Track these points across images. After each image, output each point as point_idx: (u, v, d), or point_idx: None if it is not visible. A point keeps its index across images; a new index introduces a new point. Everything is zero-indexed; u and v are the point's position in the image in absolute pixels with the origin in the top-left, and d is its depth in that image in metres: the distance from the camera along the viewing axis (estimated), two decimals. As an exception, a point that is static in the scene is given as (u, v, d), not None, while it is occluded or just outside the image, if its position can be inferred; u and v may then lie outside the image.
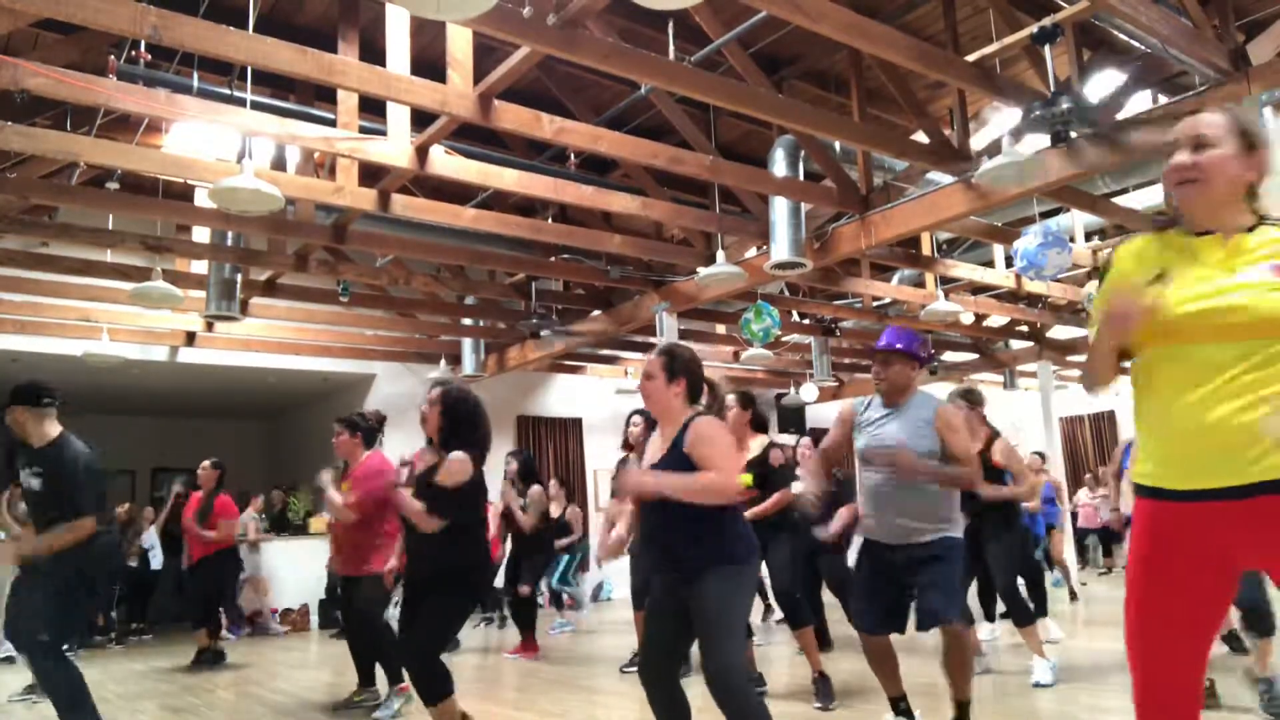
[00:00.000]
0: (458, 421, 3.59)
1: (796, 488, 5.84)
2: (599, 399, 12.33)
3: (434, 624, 3.49)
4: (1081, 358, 12.01)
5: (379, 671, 4.95)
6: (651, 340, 9.50)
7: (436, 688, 3.41)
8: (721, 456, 2.72)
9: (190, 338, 9.04)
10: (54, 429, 3.79)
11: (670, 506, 2.70)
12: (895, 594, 3.37)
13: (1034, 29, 4.81)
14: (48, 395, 3.80)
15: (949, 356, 12.43)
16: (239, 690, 5.84)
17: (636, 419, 5.10)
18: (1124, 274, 1.88)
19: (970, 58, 4.95)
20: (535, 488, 6.93)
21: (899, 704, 3.52)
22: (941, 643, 3.33)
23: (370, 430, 4.96)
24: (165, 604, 9.15)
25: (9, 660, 7.47)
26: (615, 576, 10.63)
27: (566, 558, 8.11)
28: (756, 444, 4.74)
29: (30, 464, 3.73)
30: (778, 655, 6.26)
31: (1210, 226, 1.80)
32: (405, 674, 4.75)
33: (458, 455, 3.49)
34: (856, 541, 3.60)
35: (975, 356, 12.24)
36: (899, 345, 3.47)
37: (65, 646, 3.69)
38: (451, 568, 3.49)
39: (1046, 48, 4.83)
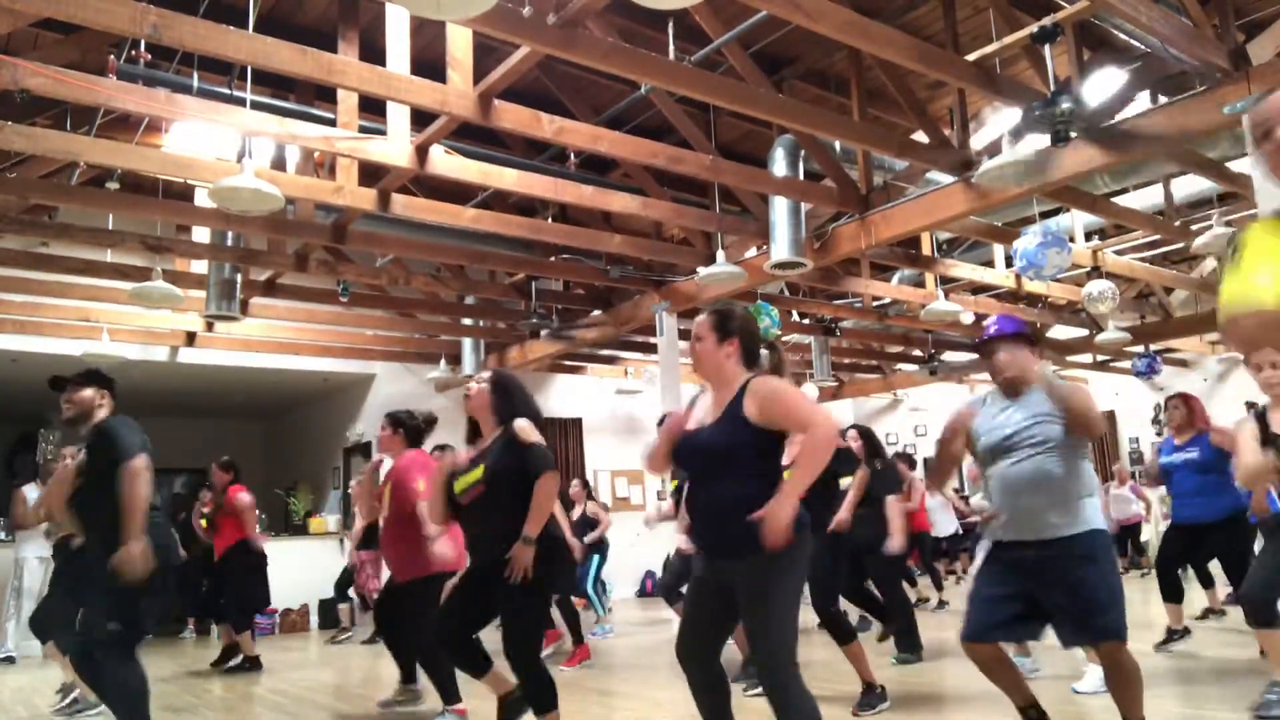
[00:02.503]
0: (506, 396, 3.49)
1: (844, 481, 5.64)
2: (599, 399, 12.33)
3: (523, 621, 3.27)
4: (1083, 357, 12.03)
5: (420, 672, 4.70)
6: (652, 340, 9.50)
7: (549, 698, 3.24)
8: (799, 410, 2.49)
9: (190, 338, 9.04)
10: (105, 413, 3.81)
11: (719, 482, 2.52)
12: (1025, 599, 3.00)
13: (1034, 29, 4.81)
14: (113, 381, 3.88)
15: (949, 356, 12.43)
16: (239, 690, 5.83)
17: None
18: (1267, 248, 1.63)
19: (970, 57, 4.95)
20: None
21: (1028, 712, 3.12)
22: (1101, 664, 3.00)
23: (416, 429, 4.76)
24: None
25: (9, 660, 7.48)
26: (614, 575, 10.61)
27: (596, 557, 7.94)
28: None
29: (79, 444, 3.78)
30: (819, 658, 5.70)
31: None
32: (431, 690, 4.48)
33: (524, 420, 3.40)
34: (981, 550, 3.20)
35: (975, 357, 12.22)
36: (1005, 330, 3.16)
37: (137, 640, 3.51)
38: (549, 541, 3.31)
39: (1046, 47, 4.83)
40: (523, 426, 3.38)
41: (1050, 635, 3.06)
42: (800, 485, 2.43)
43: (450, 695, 4.29)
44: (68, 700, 5.20)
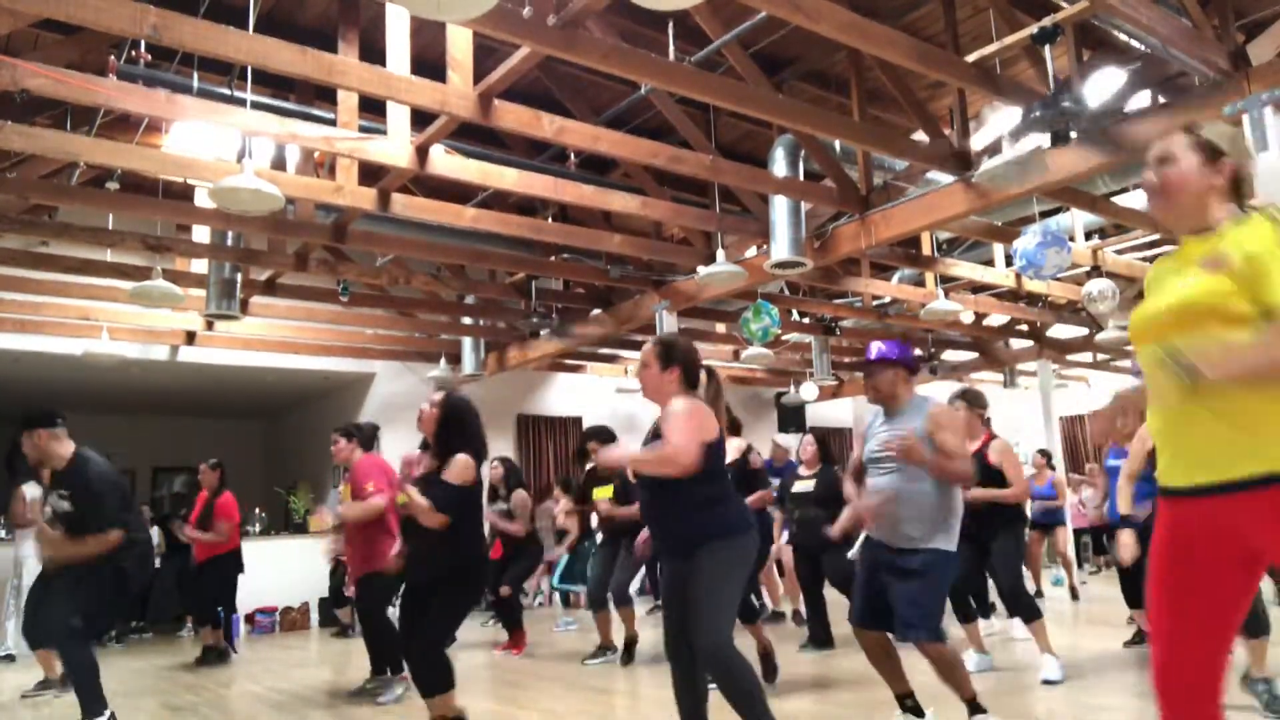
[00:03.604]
0: (452, 425, 3.74)
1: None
2: (599, 398, 12.32)
3: (437, 619, 3.59)
4: (1083, 356, 12.04)
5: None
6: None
7: (437, 680, 3.54)
8: (675, 430, 2.81)
9: (190, 337, 9.04)
10: (69, 446, 4.11)
11: (661, 487, 2.84)
12: (886, 593, 3.44)
13: (1034, 29, 4.81)
14: (59, 415, 4.11)
15: (949, 356, 12.43)
16: (239, 690, 5.84)
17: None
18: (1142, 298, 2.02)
19: (970, 58, 4.95)
20: (519, 493, 6.92)
21: (905, 701, 3.54)
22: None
23: (366, 438, 5.36)
24: (165, 603, 9.14)
25: (9, 659, 7.48)
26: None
27: (568, 556, 8.07)
28: (733, 445, 4.85)
29: (57, 487, 4.06)
30: (780, 651, 6.22)
31: (1189, 230, 1.94)
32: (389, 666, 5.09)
33: (462, 456, 3.64)
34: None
35: (975, 356, 12.23)
36: (883, 355, 3.62)
37: (96, 637, 4.14)
38: (453, 566, 3.59)
39: (1046, 48, 4.83)
40: (454, 468, 3.63)
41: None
42: (636, 457, 2.89)
43: (399, 665, 4.87)
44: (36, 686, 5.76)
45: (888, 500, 3.38)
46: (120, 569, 4.04)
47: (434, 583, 3.58)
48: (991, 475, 4.80)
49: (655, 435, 3.00)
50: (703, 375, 3.08)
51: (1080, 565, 10.42)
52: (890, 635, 3.46)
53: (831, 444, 6.41)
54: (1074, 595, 8.93)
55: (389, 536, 4.88)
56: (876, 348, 3.66)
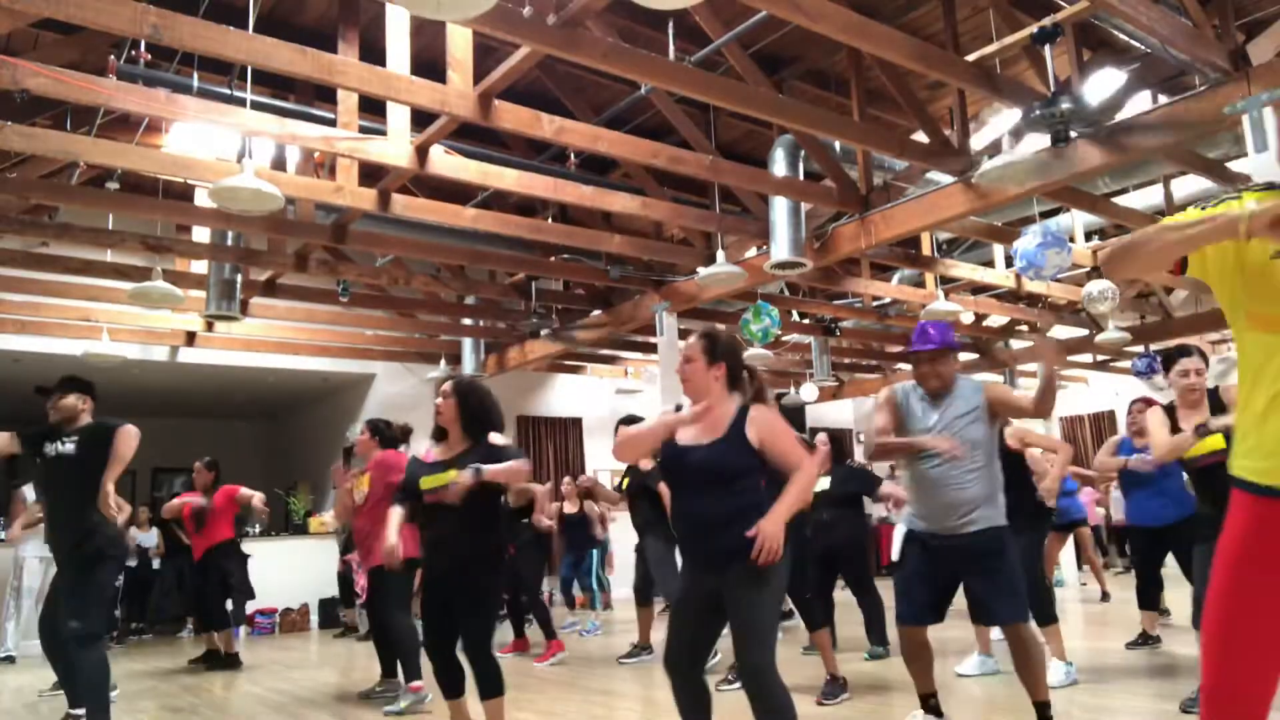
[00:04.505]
0: (474, 406, 3.59)
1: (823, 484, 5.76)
2: (599, 399, 12.32)
3: (479, 616, 3.47)
4: (1083, 356, 12.03)
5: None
6: (651, 340, 9.50)
7: (496, 682, 3.45)
8: (794, 451, 2.74)
9: (190, 338, 9.04)
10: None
11: (711, 498, 2.69)
12: (942, 587, 3.35)
13: (1034, 29, 4.81)
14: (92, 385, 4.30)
15: (949, 356, 12.41)
16: (239, 690, 5.83)
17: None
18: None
19: (970, 58, 4.95)
20: (533, 484, 6.87)
21: (929, 700, 3.46)
22: (1009, 645, 3.28)
23: (391, 439, 5.30)
24: (165, 604, 9.15)
25: (9, 660, 7.48)
26: (616, 573, 10.60)
27: (595, 553, 7.98)
28: None
29: (61, 436, 4.09)
30: (786, 655, 6.12)
31: None
32: (400, 670, 4.91)
33: (495, 434, 3.57)
34: (897, 536, 3.51)
35: (975, 356, 12.23)
36: (948, 342, 3.42)
37: (98, 634, 3.97)
38: (477, 553, 3.46)
39: (1046, 48, 4.83)
40: (498, 437, 3.57)
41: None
42: (788, 511, 2.66)
43: (412, 672, 4.70)
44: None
45: (958, 447, 3.22)
46: (100, 551, 3.99)
47: (459, 568, 3.43)
48: (1010, 465, 4.68)
49: (733, 435, 2.76)
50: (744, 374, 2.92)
51: (1080, 566, 10.40)
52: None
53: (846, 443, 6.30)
54: (1105, 597, 8.76)
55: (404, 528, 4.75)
56: (935, 334, 3.43)
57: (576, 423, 12.24)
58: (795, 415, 13.43)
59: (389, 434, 5.29)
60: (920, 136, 5.89)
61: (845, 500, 5.69)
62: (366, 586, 5.20)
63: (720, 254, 6.66)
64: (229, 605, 6.89)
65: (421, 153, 5.13)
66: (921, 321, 3.65)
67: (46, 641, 4.30)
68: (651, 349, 10.41)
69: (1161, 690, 4.42)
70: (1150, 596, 5.40)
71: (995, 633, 5.28)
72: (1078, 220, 8.02)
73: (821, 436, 5.92)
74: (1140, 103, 5.42)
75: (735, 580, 2.62)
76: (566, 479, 8.49)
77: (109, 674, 4.03)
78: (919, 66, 4.55)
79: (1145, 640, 5.55)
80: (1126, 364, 11.89)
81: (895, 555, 3.50)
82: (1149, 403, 5.32)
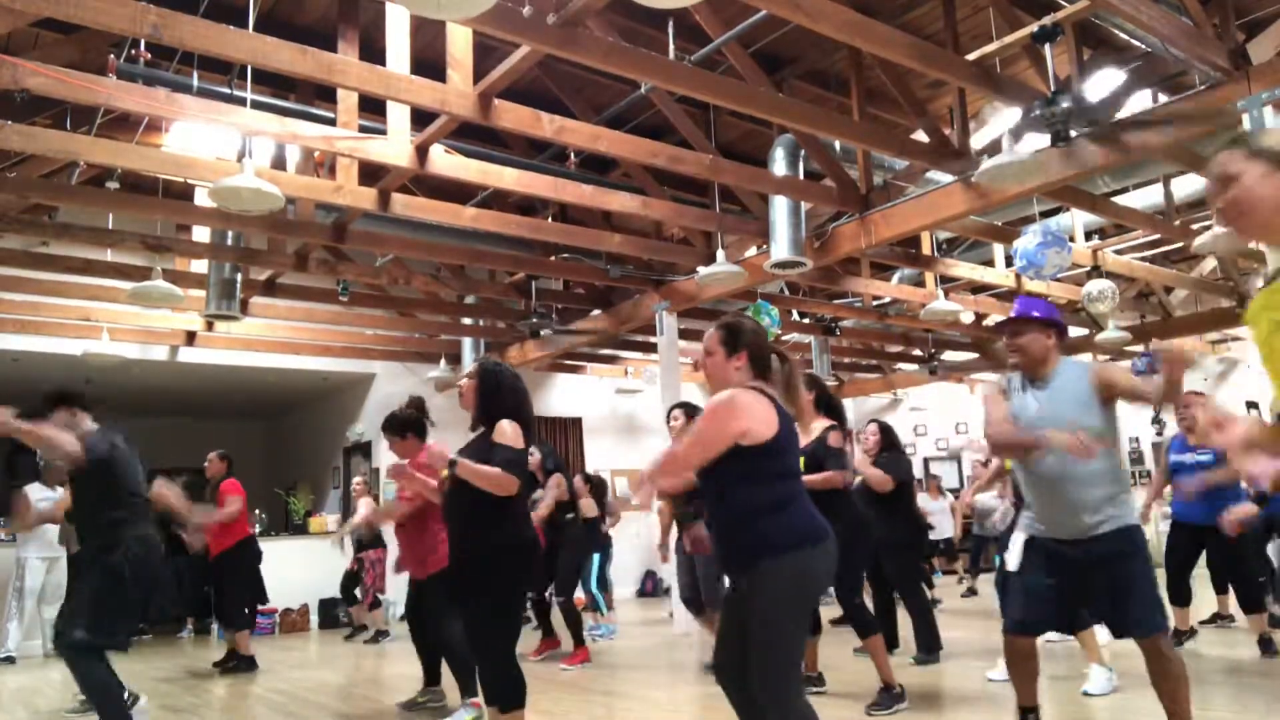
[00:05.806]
0: (489, 391, 3.39)
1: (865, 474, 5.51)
2: (599, 399, 12.33)
3: (499, 620, 3.22)
4: (1082, 356, 12.02)
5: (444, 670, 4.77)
6: (652, 340, 9.50)
7: (515, 694, 3.20)
8: (695, 430, 2.55)
9: (190, 337, 9.05)
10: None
11: (718, 495, 2.54)
12: (1068, 596, 3.02)
13: (1034, 28, 4.81)
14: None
15: (949, 356, 12.43)
16: (239, 690, 5.83)
17: (677, 413, 4.94)
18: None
19: (970, 57, 4.95)
20: (554, 475, 6.72)
21: (1027, 714, 3.15)
22: (1146, 660, 2.90)
23: (419, 423, 4.64)
24: (165, 603, 9.13)
25: (9, 660, 7.48)
26: (614, 575, 10.60)
27: (598, 556, 7.87)
28: (818, 425, 4.46)
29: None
30: (840, 655, 5.75)
31: None
32: (457, 681, 4.51)
33: (507, 421, 3.30)
34: (1015, 542, 3.15)
35: (975, 356, 12.24)
36: (1026, 311, 3.12)
37: (106, 646, 3.79)
38: (501, 545, 3.24)
39: (1046, 47, 4.83)
40: (506, 430, 3.29)
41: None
42: (672, 456, 2.62)
43: (470, 688, 4.32)
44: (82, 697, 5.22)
45: (1086, 443, 2.76)
46: (126, 563, 3.82)
47: (481, 561, 3.20)
48: None
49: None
50: (774, 360, 2.69)
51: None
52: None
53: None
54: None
55: (443, 532, 4.20)
56: (1020, 304, 3.17)
57: (576, 422, 12.24)
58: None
59: (418, 420, 4.64)
60: (920, 136, 5.89)
61: (886, 496, 5.38)
62: (411, 593, 4.86)
63: (720, 253, 6.66)
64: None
65: (421, 152, 5.13)
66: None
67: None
68: (651, 349, 10.41)
69: (1195, 694, 4.30)
70: (1185, 593, 5.37)
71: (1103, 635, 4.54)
72: (1078, 220, 8.02)
73: (871, 427, 5.72)
74: (1140, 102, 5.42)
75: (747, 588, 2.48)
76: (578, 478, 8.36)
77: (114, 683, 3.83)
78: (919, 66, 4.55)
79: (1179, 638, 5.27)
80: (1126, 363, 11.89)
81: (1013, 564, 3.13)
82: (1198, 394, 5.28)
